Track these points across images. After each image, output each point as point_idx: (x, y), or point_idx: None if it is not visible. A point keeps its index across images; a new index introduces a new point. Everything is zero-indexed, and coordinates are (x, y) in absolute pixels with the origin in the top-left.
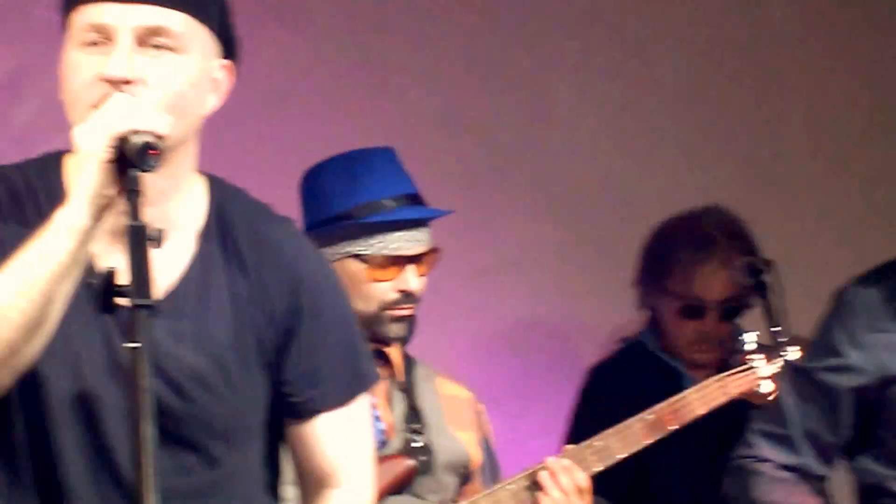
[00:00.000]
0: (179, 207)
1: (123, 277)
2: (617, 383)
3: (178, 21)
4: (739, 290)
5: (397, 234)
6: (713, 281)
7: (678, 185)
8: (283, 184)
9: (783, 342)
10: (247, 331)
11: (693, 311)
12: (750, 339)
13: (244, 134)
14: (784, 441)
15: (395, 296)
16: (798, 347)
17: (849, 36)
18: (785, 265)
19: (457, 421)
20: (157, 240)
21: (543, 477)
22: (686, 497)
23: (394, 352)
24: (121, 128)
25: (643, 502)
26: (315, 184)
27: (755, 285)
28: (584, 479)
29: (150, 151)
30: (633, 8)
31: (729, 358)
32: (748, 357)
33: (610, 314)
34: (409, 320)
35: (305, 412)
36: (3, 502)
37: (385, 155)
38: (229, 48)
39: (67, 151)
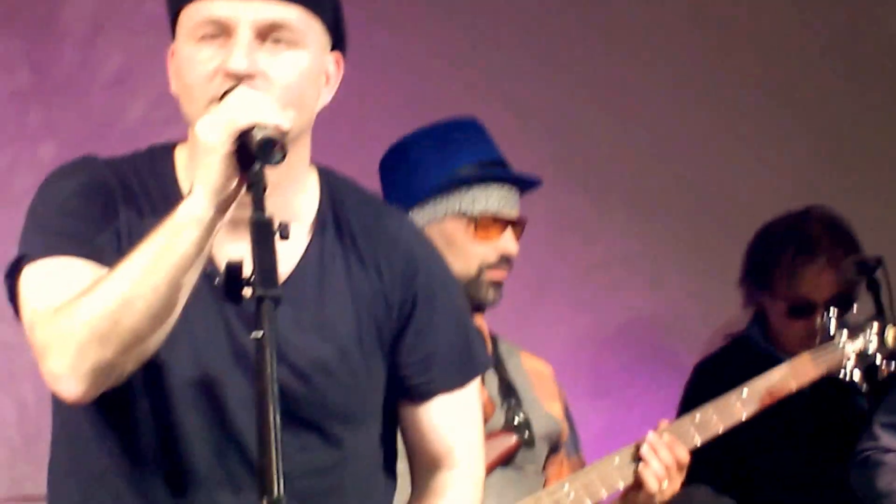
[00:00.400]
0: (294, 198)
1: (248, 268)
2: (724, 377)
3: (295, 15)
4: (845, 287)
5: (498, 196)
6: (819, 280)
7: (780, 185)
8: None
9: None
10: (365, 317)
11: (801, 310)
12: (837, 316)
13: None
14: None
15: (495, 257)
16: None
17: None
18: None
19: (545, 394)
20: (282, 232)
21: (645, 451)
22: (786, 485)
23: (484, 328)
24: (244, 122)
25: (742, 489)
26: (404, 158)
27: (867, 283)
28: (684, 454)
29: (274, 146)
30: (731, 9)
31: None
32: (836, 334)
33: (713, 312)
34: (501, 287)
35: (421, 395)
36: (123, 482)
37: (472, 123)
38: (339, 41)
39: (175, 143)
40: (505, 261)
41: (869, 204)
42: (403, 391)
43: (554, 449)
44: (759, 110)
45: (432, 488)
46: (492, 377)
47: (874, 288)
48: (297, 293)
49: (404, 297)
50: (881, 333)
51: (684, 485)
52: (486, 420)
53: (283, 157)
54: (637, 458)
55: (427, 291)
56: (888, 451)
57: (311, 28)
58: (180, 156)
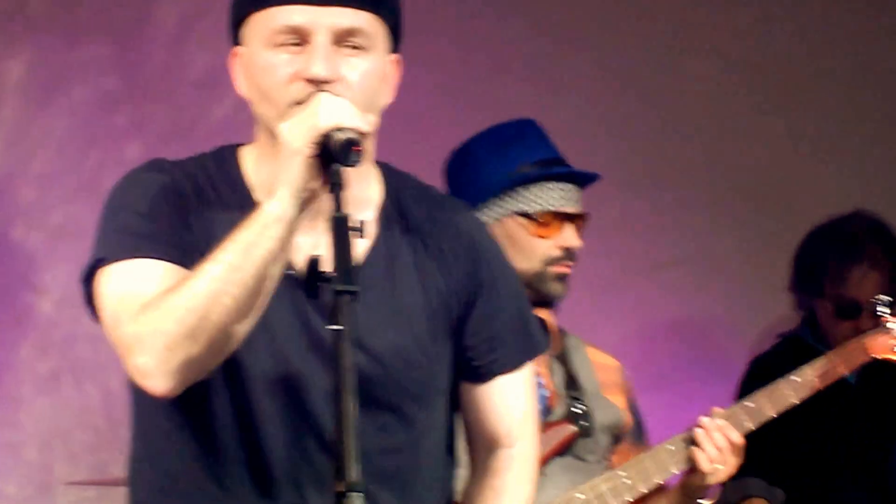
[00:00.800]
0: (361, 193)
1: (327, 264)
2: (778, 372)
3: (367, 20)
4: (891, 287)
5: (557, 192)
6: (864, 282)
7: (829, 189)
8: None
9: None
10: (434, 301)
11: (848, 311)
12: (885, 302)
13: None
14: None
15: (557, 252)
16: None
17: None
18: None
19: (609, 386)
20: (360, 230)
21: (699, 434)
22: (837, 475)
23: (552, 322)
24: (326, 125)
25: (793, 481)
26: (466, 160)
27: None
28: (737, 437)
29: (354, 148)
30: (787, 23)
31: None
32: (884, 319)
33: (764, 312)
34: (567, 280)
35: (484, 375)
36: (203, 473)
37: (530, 123)
38: (397, 42)
39: (239, 145)
40: (568, 255)
41: None
42: (468, 372)
43: (618, 439)
44: (810, 117)
45: (492, 467)
46: (558, 369)
47: None
48: (370, 281)
49: (468, 283)
50: None
51: (737, 477)
52: (549, 411)
53: (361, 158)
54: (691, 443)
55: (489, 278)
56: None
57: (378, 32)
58: (246, 156)
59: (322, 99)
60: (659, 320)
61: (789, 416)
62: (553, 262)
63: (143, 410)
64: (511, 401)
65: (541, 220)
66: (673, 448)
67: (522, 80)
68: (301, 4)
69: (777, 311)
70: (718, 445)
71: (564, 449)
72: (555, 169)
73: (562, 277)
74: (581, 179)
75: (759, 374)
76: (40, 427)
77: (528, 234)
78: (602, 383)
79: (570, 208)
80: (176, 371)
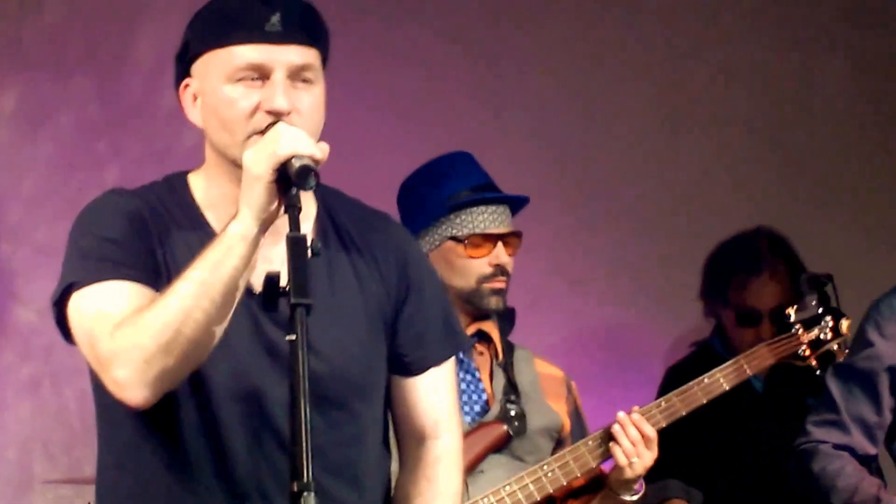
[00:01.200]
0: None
1: (282, 279)
2: (692, 378)
3: (313, 56)
4: (788, 298)
5: (483, 216)
6: (764, 292)
7: (737, 209)
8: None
9: (827, 325)
10: (371, 303)
11: (748, 318)
12: (792, 313)
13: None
14: (835, 425)
15: (489, 270)
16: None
17: None
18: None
19: (552, 394)
20: (314, 249)
21: (615, 430)
22: (748, 477)
23: (494, 333)
24: (285, 153)
25: (710, 483)
26: (408, 193)
27: (818, 296)
28: (651, 431)
29: (309, 173)
30: (691, 42)
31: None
32: (793, 327)
33: (682, 320)
34: (503, 293)
35: (414, 370)
36: (171, 475)
37: (462, 156)
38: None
39: (187, 172)
40: (500, 271)
41: (817, 223)
42: (399, 367)
43: (560, 442)
44: (722, 144)
45: (423, 458)
46: (500, 376)
47: (825, 301)
48: (312, 283)
49: (399, 285)
50: (836, 324)
51: (657, 480)
52: (486, 411)
53: (317, 183)
54: (609, 438)
55: (417, 280)
56: (822, 442)
57: (320, 65)
58: (195, 182)
59: (280, 129)
60: (584, 330)
61: (703, 420)
62: (486, 279)
63: (111, 422)
64: (438, 394)
65: (470, 242)
66: (591, 444)
67: (455, 103)
68: (259, 43)
69: (691, 321)
70: (633, 439)
71: (499, 447)
72: (484, 194)
73: (497, 291)
74: (510, 202)
75: (675, 381)
76: (21, 429)
77: (461, 256)
78: (545, 390)
79: (499, 229)
80: (152, 382)
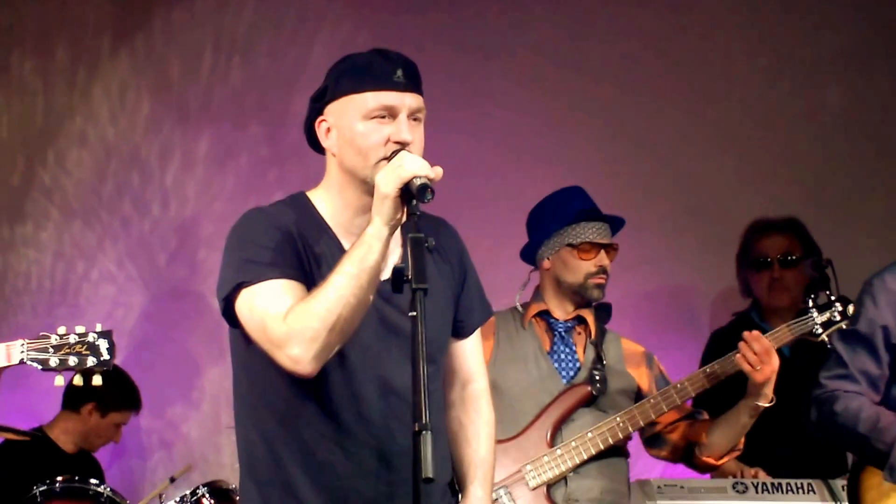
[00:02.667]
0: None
1: (407, 271)
2: (732, 343)
3: (422, 101)
4: (794, 246)
5: (593, 230)
6: (772, 242)
7: (767, 201)
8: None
9: (837, 309)
10: (446, 283)
11: (759, 264)
12: (809, 298)
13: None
14: (845, 377)
15: (594, 269)
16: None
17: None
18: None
19: (632, 364)
20: (429, 247)
21: (742, 345)
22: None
23: (589, 318)
24: (408, 174)
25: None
26: (538, 213)
27: (819, 277)
28: (768, 344)
29: (427, 189)
30: (711, 52)
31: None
32: (809, 311)
33: (719, 292)
34: (603, 287)
35: (465, 332)
36: (314, 412)
37: (577, 189)
38: None
39: (304, 191)
40: (602, 270)
41: (828, 219)
42: (456, 330)
43: (637, 398)
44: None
45: (466, 397)
46: (591, 351)
47: (824, 281)
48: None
49: (459, 271)
50: (844, 308)
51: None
52: (576, 376)
53: (433, 196)
54: (726, 363)
55: (468, 266)
56: (836, 390)
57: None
58: (315, 198)
59: (404, 156)
60: (646, 303)
61: (740, 383)
62: (592, 275)
63: (253, 371)
64: (475, 351)
65: (581, 248)
66: (652, 401)
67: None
68: (390, 91)
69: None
70: (756, 350)
71: (586, 402)
72: (590, 214)
73: (599, 286)
74: (612, 221)
75: (718, 345)
76: (211, 387)
77: (574, 258)
78: (627, 361)
79: (604, 240)
80: (319, 356)
